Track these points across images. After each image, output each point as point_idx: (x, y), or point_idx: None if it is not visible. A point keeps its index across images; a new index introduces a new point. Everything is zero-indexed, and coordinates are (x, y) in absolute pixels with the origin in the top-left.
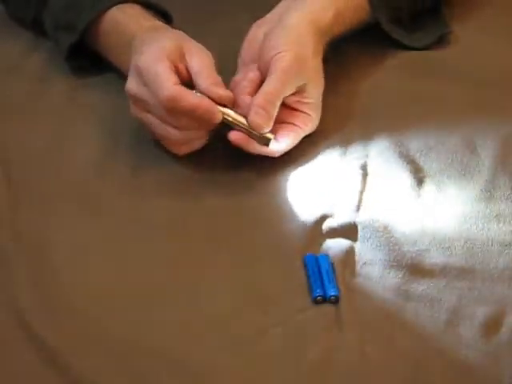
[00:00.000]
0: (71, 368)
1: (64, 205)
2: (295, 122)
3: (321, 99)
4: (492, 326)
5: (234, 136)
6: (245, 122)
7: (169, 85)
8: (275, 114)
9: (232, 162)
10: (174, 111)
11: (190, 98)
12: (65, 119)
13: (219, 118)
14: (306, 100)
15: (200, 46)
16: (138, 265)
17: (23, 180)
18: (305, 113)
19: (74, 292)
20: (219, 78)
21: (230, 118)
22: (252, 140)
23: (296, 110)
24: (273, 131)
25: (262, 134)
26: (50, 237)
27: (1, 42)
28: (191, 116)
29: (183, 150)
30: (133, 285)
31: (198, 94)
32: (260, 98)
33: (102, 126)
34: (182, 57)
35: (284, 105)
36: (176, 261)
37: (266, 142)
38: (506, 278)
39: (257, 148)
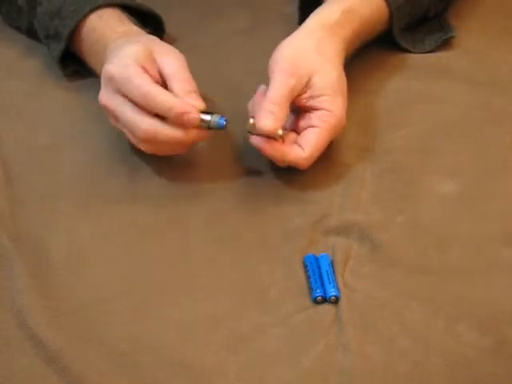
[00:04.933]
0: (71, 368)
1: (64, 205)
2: (313, 124)
3: (338, 92)
4: (492, 325)
5: (255, 140)
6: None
7: (144, 82)
8: (283, 115)
9: (232, 162)
10: (149, 109)
11: (167, 95)
12: (64, 119)
13: (196, 119)
14: (316, 93)
15: (172, 48)
16: (137, 265)
17: (23, 179)
18: (321, 109)
19: (74, 292)
20: (193, 82)
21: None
22: (275, 146)
23: (312, 109)
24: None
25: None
26: (50, 237)
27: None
28: (167, 116)
29: (158, 154)
30: (132, 285)
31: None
32: (265, 103)
33: (100, 125)
34: (153, 60)
35: (300, 111)
36: (176, 261)
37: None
38: (505, 277)
39: (286, 159)
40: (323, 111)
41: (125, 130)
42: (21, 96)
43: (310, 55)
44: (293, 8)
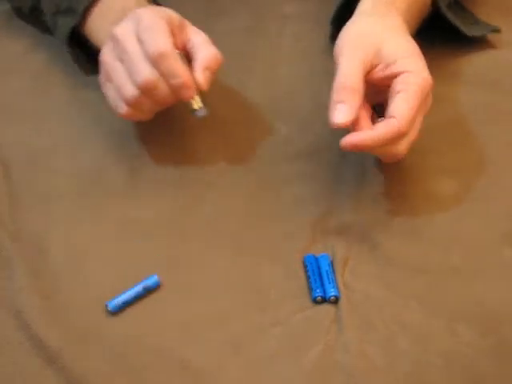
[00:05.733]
0: (71, 368)
1: (63, 205)
2: (398, 89)
3: (414, 52)
4: (492, 325)
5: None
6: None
7: (165, 40)
8: (356, 101)
9: (231, 162)
10: (156, 66)
11: (179, 62)
12: (65, 119)
13: (190, 97)
14: (390, 59)
15: None
16: (137, 265)
17: (23, 180)
18: (402, 72)
19: (74, 292)
20: (217, 62)
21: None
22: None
23: (392, 78)
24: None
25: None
26: (50, 237)
27: (1, 41)
28: (166, 80)
29: (125, 112)
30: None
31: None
32: (334, 92)
33: (100, 125)
34: (183, 28)
35: (380, 89)
36: (175, 260)
37: (201, 113)
38: (505, 277)
39: (384, 139)
40: (404, 73)
41: (119, 74)
42: (21, 95)
43: (373, 28)
44: (293, 8)
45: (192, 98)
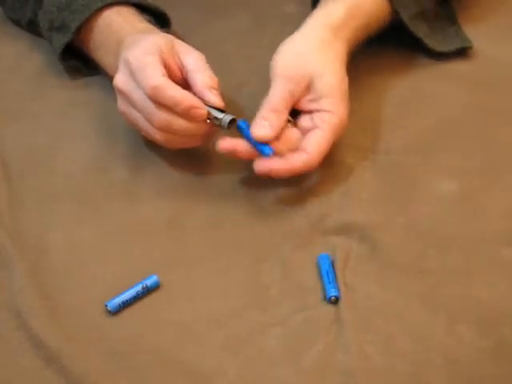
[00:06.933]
0: (71, 368)
1: (63, 205)
2: (316, 125)
3: (339, 94)
4: (492, 326)
5: (222, 145)
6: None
7: (155, 75)
8: (279, 122)
9: (231, 162)
10: (157, 102)
11: (175, 89)
12: (64, 119)
13: (204, 114)
14: (317, 96)
15: (192, 47)
16: (137, 264)
17: (23, 180)
18: (322, 111)
19: (74, 292)
20: (215, 80)
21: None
22: (280, 162)
23: (314, 112)
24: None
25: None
26: (50, 237)
27: (0, 42)
28: (175, 110)
29: (172, 146)
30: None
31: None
32: (261, 110)
33: (100, 125)
34: (175, 54)
35: (302, 114)
36: (175, 260)
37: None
38: (505, 277)
39: (295, 168)
40: (324, 112)
41: (139, 118)
42: (21, 96)
43: (309, 58)
44: (293, 8)
45: (205, 115)
